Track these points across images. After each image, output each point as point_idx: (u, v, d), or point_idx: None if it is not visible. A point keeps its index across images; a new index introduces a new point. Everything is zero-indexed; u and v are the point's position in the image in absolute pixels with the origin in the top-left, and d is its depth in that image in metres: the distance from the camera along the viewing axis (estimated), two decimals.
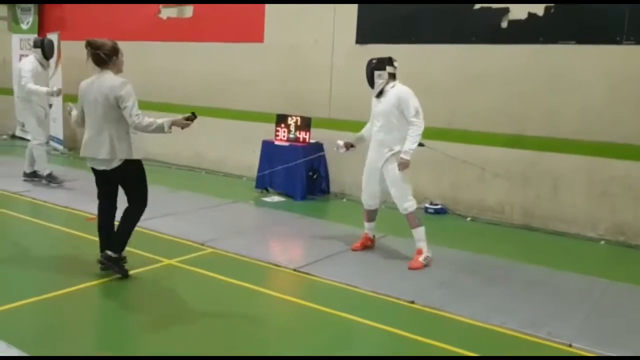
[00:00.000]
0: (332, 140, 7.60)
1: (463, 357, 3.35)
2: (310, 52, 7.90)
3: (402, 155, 4.76)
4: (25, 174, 7.41)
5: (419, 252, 4.90)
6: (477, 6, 6.56)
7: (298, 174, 7.34)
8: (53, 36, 10.10)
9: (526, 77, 6.38)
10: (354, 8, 7.46)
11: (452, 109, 6.87)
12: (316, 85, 7.87)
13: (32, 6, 11.14)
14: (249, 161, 8.16)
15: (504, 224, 6.53)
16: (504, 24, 6.44)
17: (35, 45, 7.33)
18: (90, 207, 6.26)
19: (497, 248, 5.58)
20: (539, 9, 6.22)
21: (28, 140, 11.11)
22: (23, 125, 11.52)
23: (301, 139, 7.50)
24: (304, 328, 3.77)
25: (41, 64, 7.27)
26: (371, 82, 4.97)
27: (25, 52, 11.28)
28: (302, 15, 7.91)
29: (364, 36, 7.44)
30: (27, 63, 7.25)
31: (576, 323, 3.84)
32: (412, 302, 4.08)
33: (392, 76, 4.94)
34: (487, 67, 6.59)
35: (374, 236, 5.35)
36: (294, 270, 4.69)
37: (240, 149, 8.66)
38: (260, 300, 4.13)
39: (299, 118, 7.53)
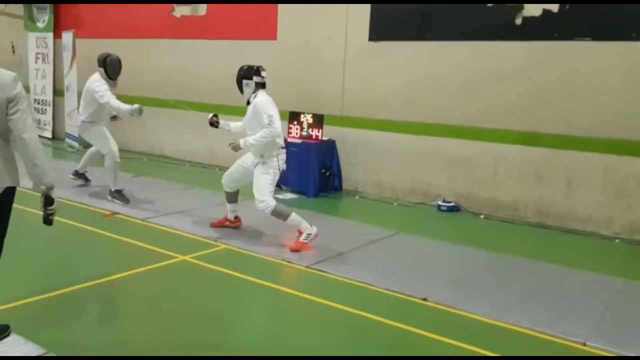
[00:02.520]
0: (344, 138, 7.65)
1: (477, 357, 3.34)
2: (323, 49, 7.89)
3: (240, 140, 5.08)
4: (77, 173, 7.15)
5: (299, 232, 5.06)
6: (491, 3, 6.52)
7: (311, 171, 7.35)
8: (68, 34, 10.23)
9: (540, 74, 6.32)
10: (366, 5, 7.44)
11: (465, 106, 6.83)
12: (329, 82, 7.87)
13: (47, 5, 11.25)
14: None
15: (518, 222, 6.49)
16: (518, 21, 6.38)
17: (99, 64, 6.52)
18: (107, 204, 6.38)
19: (511, 246, 5.55)
20: (553, 6, 6.16)
21: (46, 138, 11.34)
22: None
23: (314, 137, 7.50)
24: (317, 324, 3.78)
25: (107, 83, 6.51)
26: (240, 89, 5.22)
27: (41, 50, 11.45)
28: (314, 13, 7.90)
29: (376, 33, 7.42)
30: (96, 82, 6.41)
31: (591, 322, 3.81)
32: (425, 300, 4.08)
33: (260, 85, 5.16)
34: (501, 64, 6.54)
35: (236, 217, 5.66)
36: (307, 267, 4.70)
37: None
38: (272, 297, 4.16)
39: (311, 115, 7.54)
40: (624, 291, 4.47)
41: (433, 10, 6.94)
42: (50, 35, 11.21)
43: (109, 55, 6.55)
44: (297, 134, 7.64)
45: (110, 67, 6.50)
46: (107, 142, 6.59)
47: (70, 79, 10.31)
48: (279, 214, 5.08)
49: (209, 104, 9.16)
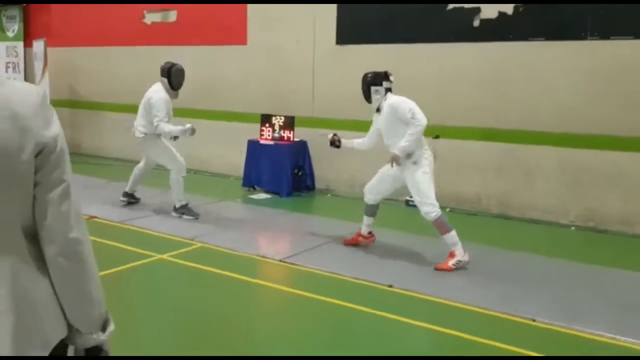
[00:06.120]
0: (316, 138, 7.89)
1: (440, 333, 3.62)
2: (293, 53, 8.14)
3: (395, 151, 4.80)
4: (126, 194, 6.77)
5: (451, 255, 4.77)
6: (450, 6, 6.85)
7: (284, 171, 7.58)
8: (39, 43, 10.28)
9: (499, 73, 6.66)
10: (333, 9, 7.71)
11: (430, 105, 7.03)
12: (299, 85, 8.11)
13: (17, 14, 11.27)
14: (236, 161, 8.38)
15: (481, 214, 6.82)
16: (476, 23, 6.73)
17: (162, 74, 6.27)
18: (89, 208, 6.47)
19: (473, 236, 5.79)
20: (508, 8, 6.52)
21: None
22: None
23: (286, 138, 7.73)
24: (290, 312, 4.02)
25: (168, 94, 6.25)
26: (367, 97, 5.01)
27: (11, 59, 11.45)
28: (283, 17, 8.14)
29: (343, 37, 7.70)
30: (158, 97, 6.13)
31: (542, 301, 4.12)
32: (391, 286, 4.35)
33: (388, 90, 4.99)
34: (463, 65, 6.86)
35: (369, 233, 5.37)
36: (280, 261, 4.93)
37: (227, 149, 8.87)
38: (248, 289, 4.37)
39: (283, 117, 7.76)
40: (576, 273, 4.80)
41: (397, 13, 7.24)
42: (20, 44, 11.24)
43: (173, 65, 6.28)
44: (269, 135, 7.85)
45: (175, 77, 6.24)
46: (172, 156, 6.34)
47: (42, 88, 10.33)
48: (442, 224, 4.78)
49: (182, 108, 9.33)
